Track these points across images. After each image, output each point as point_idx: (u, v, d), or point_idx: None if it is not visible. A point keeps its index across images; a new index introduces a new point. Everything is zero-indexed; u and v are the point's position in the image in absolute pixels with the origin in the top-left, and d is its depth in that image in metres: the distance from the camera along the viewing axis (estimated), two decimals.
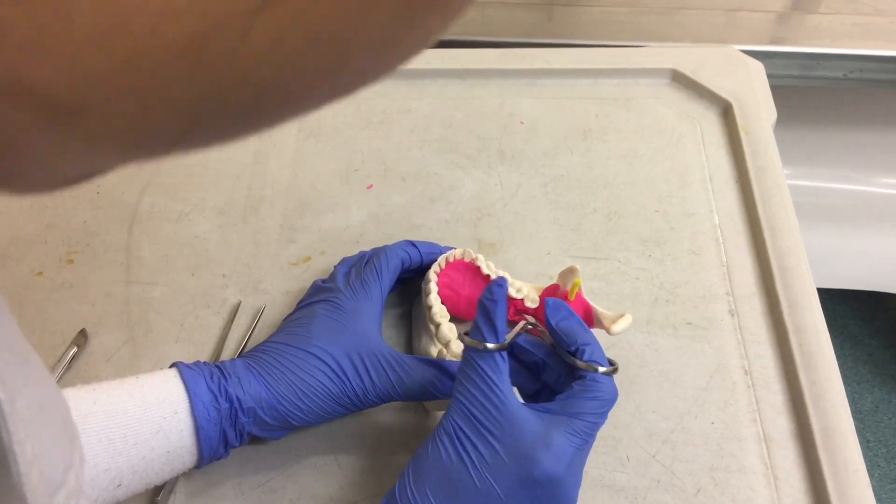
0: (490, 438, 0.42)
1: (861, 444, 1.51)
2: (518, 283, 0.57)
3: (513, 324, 0.58)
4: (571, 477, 0.42)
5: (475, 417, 0.42)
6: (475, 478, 0.41)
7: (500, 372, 0.43)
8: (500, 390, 0.43)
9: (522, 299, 0.56)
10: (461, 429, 0.43)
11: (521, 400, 0.44)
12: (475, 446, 0.42)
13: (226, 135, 0.19)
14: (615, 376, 0.45)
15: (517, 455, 0.41)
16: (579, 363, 0.44)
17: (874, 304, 1.68)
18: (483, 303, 0.45)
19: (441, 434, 0.43)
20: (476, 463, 0.42)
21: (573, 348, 0.45)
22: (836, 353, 0.55)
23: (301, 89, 0.18)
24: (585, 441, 0.43)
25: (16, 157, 0.17)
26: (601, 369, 0.44)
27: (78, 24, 0.14)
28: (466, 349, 0.45)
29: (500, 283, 0.45)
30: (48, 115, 0.16)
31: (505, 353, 0.44)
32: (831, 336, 0.56)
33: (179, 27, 0.15)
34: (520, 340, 0.48)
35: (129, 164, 0.19)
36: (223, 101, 0.17)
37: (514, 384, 0.50)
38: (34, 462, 0.22)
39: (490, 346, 0.43)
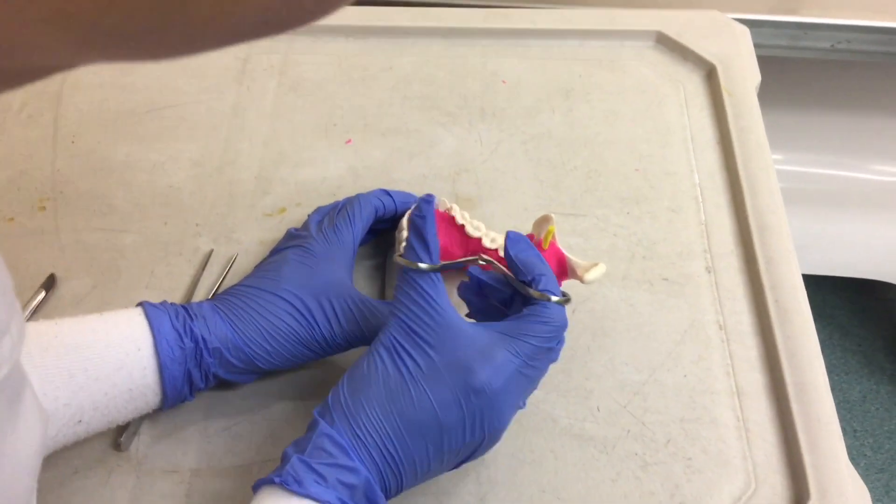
0: (427, 349, 0.42)
1: (848, 433, 1.51)
2: (492, 234, 0.56)
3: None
4: (507, 396, 0.42)
5: (413, 331, 0.42)
6: (411, 387, 0.41)
7: (437, 288, 0.44)
8: (438, 304, 0.43)
9: (497, 249, 0.55)
10: (399, 342, 0.43)
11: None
12: (412, 357, 0.42)
13: (152, 33, 0.18)
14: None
15: (454, 365, 0.41)
16: (532, 292, 0.44)
17: (864, 294, 1.68)
18: (413, 220, 0.45)
19: (379, 348, 0.43)
20: (412, 373, 0.42)
21: (529, 278, 0.45)
22: (824, 342, 0.54)
23: None
24: (527, 364, 0.43)
25: None
26: (554, 298, 0.44)
27: None
28: (403, 269, 0.44)
29: (428, 199, 0.46)
30: None
31: (439, 274, 0.44)
32: (819, 325, 0.55)
33: None
34: (485, 278, 0.48)
35: (58, 57, 0.19)
36: None
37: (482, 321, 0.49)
38: None
39: (423, 266, 0.43)
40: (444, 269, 0.44)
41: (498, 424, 0.42)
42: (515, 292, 0.46)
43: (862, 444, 1.52)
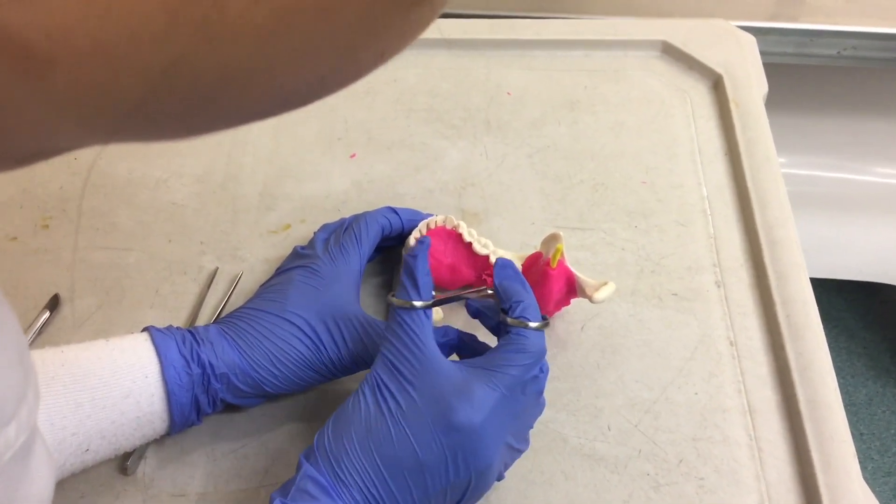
0: (408, 387, 0.41)
1: (855, 437, 1.50)
2: (500, 251, 0.55)
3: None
4: (489, 432, 0.41)
5: (396, 368, 0.42)
6: (391, 427, 0.41)
7: (424, 326, 0.43)
8: (422, 342, 0.43)
9: None
10: (383, 381, 0.42)
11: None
12: (394, 396, 0.42)
13: (190, 122, 0.19)
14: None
15: (433, 403, 0.41)
16: (508, 319, 0.44)
17: (869, 297, 1.67)
18: (406, 260, 0.45)
19: (364, 387, 0.43)
20: (393, 412, 0.41)
21: (507, 306, 0.44)
22: (830, 345, 0.54)
23: (260, 78, 0.18)
24: (508, 396, 0.42)
25: None
26: (531, 324, 0.43)
27: None
28: (393, 308, 0.44)
29: (423, 241, 0.46)
30: (20, 65, 0.15)
31: (430, 311, 0.44)
32: (826, 329, 0.55)
33: None
34: (479, 305, 0.48)
35: (82, 141, 0.19)
36: (186, 74, 0.17)
37: (476, 351, 0.49)
38: None
39: (417, 304, 0.43)
40: (436, 305, 0.44)
41: (482, 462, 0.41)
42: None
43: (868, 448, 1.51)
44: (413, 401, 0.41)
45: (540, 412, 0.46)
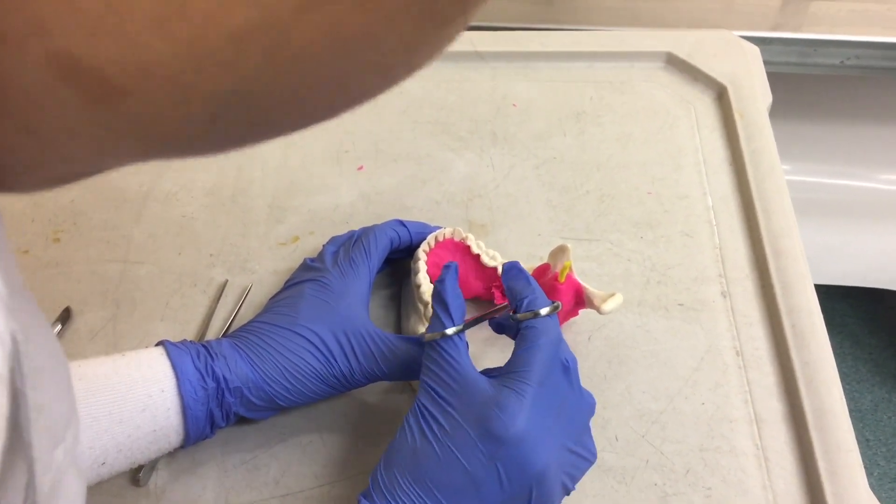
0: (448, 408, 0.42)
1: (860, 443, 1.50)
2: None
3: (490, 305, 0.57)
4: (533, 434, 0.40)
5: (437, 393, 0.43)
6: (438, 450, 0.41)
7: (459, 348, 0.44)
8: (458, 362, 0.43)
9: None
10: (425, 407, 0.43)
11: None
12: (437, 419, 0.42)
13: (237, 139, 0.20)
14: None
15: (472, 419, 0.41)
16: (518, 316, 0.44)
17: (874, 303, 1.67)
18: (436, 288, 0.46)
19: (409, 417, 0.43)
20: (438, 435, 0.41)
21: (515, 306, 0.45)
22: (835, 351, 0.54)
23: (310, 99, 0.19)
24: (539, 392, 0.41)
25: (40, 141, 0.17)
26: (541, 312, 0.43)
27: (141, 6, 0.15)
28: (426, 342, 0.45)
29: (450, 265, 0.46)
30: (93, 95, 0.16)
31: (463, 334, 0.44)
32: (831, 335, 0.55)
33: (233, 16, 0.15)
34: (500, 319, 0.49)
35: (134, 162, 0.20)
36: (246, 101, 0.18)
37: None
38: (41, 410, 0.21)
39: (448, 332, 0.44)
40: (468, 328, 0.45)
41: (533, 469, 0.40)
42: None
43: (875, 454, 1.51)
44: (455, 420, 0.41)
45: (589, 410, 0.45)
